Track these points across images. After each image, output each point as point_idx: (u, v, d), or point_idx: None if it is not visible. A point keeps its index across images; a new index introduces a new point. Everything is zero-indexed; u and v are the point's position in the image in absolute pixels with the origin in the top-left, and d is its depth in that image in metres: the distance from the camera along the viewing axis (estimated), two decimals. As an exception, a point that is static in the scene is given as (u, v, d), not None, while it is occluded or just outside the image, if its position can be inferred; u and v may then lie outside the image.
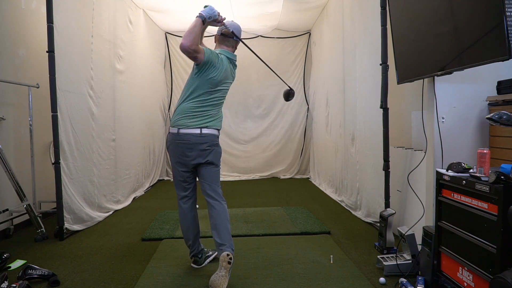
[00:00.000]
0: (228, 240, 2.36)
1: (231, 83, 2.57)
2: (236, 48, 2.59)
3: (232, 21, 2.57)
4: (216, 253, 2.60)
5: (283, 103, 6.76)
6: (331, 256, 2.75)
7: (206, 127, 2.40)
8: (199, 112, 2.39)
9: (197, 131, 2.38)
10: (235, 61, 2.57)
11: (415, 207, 2.80)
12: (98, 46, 3.99)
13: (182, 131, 2.39)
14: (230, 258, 2.25)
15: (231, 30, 2.49)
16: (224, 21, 2.45)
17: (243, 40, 2.59)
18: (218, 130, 2.50)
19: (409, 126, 3.25)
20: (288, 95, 2.77)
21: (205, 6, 2.36)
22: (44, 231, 3.27)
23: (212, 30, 2.64)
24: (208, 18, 2.31)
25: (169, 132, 2.49)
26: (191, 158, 2.41)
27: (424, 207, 2.56)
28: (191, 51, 2.22)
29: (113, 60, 4.43)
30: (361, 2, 3.76)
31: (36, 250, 2.99)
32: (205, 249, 2.71)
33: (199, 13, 2.30)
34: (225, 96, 2.53)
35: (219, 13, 2.38)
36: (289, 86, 2.79)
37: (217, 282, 2.20)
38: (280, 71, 6.62)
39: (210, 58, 2.34)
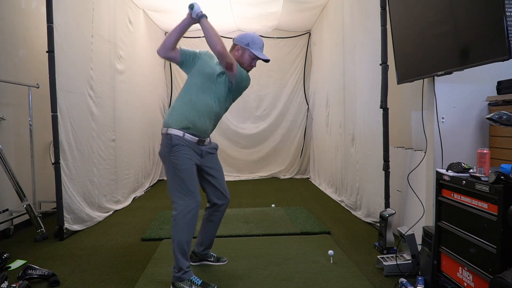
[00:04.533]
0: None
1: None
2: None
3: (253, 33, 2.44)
4: (220, 262, 2.68)
5: (283, 103, 6.77)
6: (331, 256, 2.75)
7: None
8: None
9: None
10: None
11: (415, 207, 2.80)
12: (98, 46, 3.99)
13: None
14: None
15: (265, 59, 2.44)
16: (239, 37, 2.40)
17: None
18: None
19: (409, 126, 3.25)
20: None
21: (192, 6, 2.26)
22: (44, 231, 3.27)
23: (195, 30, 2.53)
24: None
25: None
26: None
27: (424, 207, 2.56)
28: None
29: (113, 60, 4.43)
30: (361, 2, 3.75)
31: (36, 250, 2.99)
32: (210, 253, 2.70)
33: (202, 13, 2.24)
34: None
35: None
36: None
37: None
38: (280, 71, 6.77)
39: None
